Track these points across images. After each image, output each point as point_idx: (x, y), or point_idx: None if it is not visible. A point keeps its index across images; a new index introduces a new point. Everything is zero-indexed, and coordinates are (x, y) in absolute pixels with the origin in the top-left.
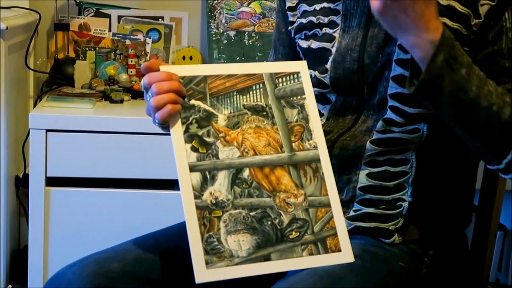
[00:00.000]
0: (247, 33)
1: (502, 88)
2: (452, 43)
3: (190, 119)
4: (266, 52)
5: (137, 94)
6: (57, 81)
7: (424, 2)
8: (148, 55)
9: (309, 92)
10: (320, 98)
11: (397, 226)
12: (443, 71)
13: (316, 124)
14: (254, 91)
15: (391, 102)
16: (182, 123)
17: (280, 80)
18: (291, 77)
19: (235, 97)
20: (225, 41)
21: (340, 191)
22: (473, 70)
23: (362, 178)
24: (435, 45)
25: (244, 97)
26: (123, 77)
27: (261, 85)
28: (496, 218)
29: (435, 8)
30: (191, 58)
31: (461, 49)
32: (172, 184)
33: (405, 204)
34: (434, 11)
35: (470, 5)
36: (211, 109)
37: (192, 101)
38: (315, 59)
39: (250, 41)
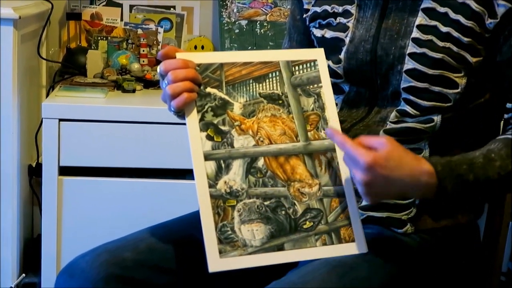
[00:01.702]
0: (259, 22)
1: (506, 148)
2: (449, 168)
3: (206, 107)
4: (278, 41)
5: (149, 84)
6: (69, 71)
7: (402, 157)
8: (160, 44)
9: (326, 81)
10: (334, 88)
11: (409, 216)
12: (455, 190)
13: (332, 113)
14: (270, 79)
15: (404, 95)
16: (198, 111)
17: (296, 68)
18: (308, 65)
19: (251, 85)
20: (236, 31)
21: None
22: (472, 160)
23: None
24: (437, 185)
25: (260, 85)
26: (135, 66)
27: (277, 73)
28: (508, 208)
29: (411, 154)
30: (202, 47)
31: (455, 159)
32: (184, 174)
33: None
34: (412, 157)
35: (486, 4)
36: (226, 97)
37: (208, 89)
38: (329, 48)
39: (262, 31)
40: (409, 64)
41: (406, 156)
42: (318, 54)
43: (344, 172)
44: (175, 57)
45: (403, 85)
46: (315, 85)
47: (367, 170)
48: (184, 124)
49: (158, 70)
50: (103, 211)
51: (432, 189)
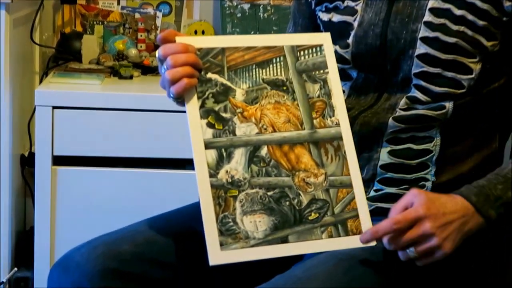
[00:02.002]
0: (262, 6)
1: None
2: (484, 196)
3: (207, 93)
4: (282, 26)
5: (147, 70)
6: (63, 56)
7: (437, 196)
8: (159, 29)
9: (332, 66)
10: (341, 74)
11: None
12: (500, 213)
13: (339, 100)
14: (274, 65)
15: (415, 81)
16: (198, 98)
17: (302, 53)
18: (314, 50)
19: (254, 70)
20: (239, 15)
21: (360, 169)
22: (506, 176)
23: (384, 155)
24: (480, 214)
25: (264, 70)
26: (133, 52)
27: (281, 58)
28: None
29: (442, 194)
30: (203, 32)
31: (488, 182)
32: (184, 164)
33: (428, 184)
34: (444, 195)
35: None
36: (228, 83)
37: (209, 75)
38: (336, 33)
39: (265, 15)
40: (421, 48)
41: (440, 195)
42: (324, 38)
43: (352, 161)
44: (174, 41)
45: (415, 70)
46: (321, 71)
47: (428, 216)
48: (184, 111)
49: (156, 55)
50: (99, 203)
51: (478, 220)
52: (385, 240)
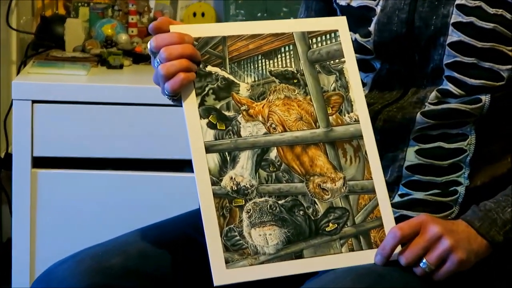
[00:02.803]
0: None
1: None
2: (490, 221)
3: (206, 89)
4: (294, 7)
5: (139, 58)
6: (44, 43)
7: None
8: (152, 11)
9: (350, 55)
10: (362, 66)
11: (450, 217)
12: (509, 237)
13: (357, 93)
14: (283, 54)
15: (447, 72)
16: (197, 95)
17: (314, 40)
18: (328, 36)
19: (260, 61)
20: None
21: (383, 171)
22: None
23: (410, 155)
24: (484, 238)
25: (271, 61)
26: (123, 37)
27: (291, 47)
28: None
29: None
30: (203, 14)
31: (495, 205)
32: (182, 166)
33: (461, 190)
34: (447, 221)
35: None
36: (231, 77)
37: (209, 68)
38: (356, 20)
39: None
40: (453, 35)
41: (441, 220)
42: (339, 23)
43: (374, 162)
44: (168, 31)
45: (446, 60)
46: (337, 60)
47: (432, 220)
48: (181, 107)
49: (148, 47)
50: (85, 211)
51: (482, 243)
52: (396, 255)
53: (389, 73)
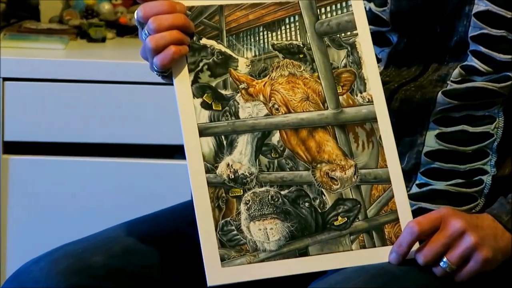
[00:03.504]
0: None
1: None
2: None
3: (201, 65)
4: None
5: (123, 30)
6: (16, 13)
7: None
8: None
9: (363, 26)
10: (377, 39)
11: (475, 211)
12: None
13: (371, 70)
14: (288, 26)
15: (473, 46)
16: (190, 71)
17: (323, 10)
18: (338, 6)
19: (261, 34)
20: None
21: (400, 157)
22: None
23: (430, 140)
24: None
25: (274, 34)
26: (105, 7)
27: (297, 18)
28: None
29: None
30: None
31: None
32: (173, 151)
33: (487, 179)
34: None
35: None
36: (228, 51)
37: (203, 41)
38: None
39: None
40: (480, 4)
41: (464, 214)
42: None
43: (389, 148)
44: None
45: (472, 32)
46: (349, 33)
47: (454, 213)
48: (172, 85)
49: (135, 16)
50: (63, 202)
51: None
52: (414, 253)
53: (407, 47)
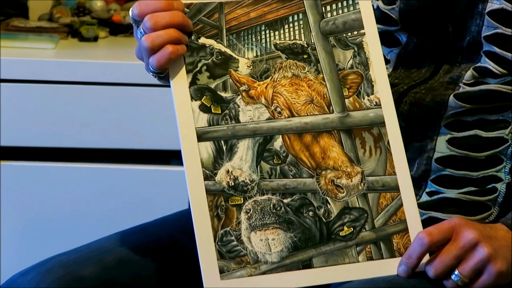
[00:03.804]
0: None
1: None
2: None
3: (199, 65)
4: None
5: (117, 29)
6: (4, 11)
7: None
8: None
9: (370, 25)
10: (386, 39)
11: (488, 220)
12: None
13: (379, 71)
14: (291, 25)
15: (487, 47)
16: (188, 72)
17: (328, 8)
18: (344, 3)
19: (263, 33)
20: None
21: (409, 164)
22: None
23: (441, 145)
24: None
25: (277, 33)
26: (98, 4)
27: (300, 16)
28: None
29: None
30: None
31: None
32: (169, 157)
33: (501, 187)
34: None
35: None
36: (228, 51)
37: (202, 40)
38: None
39: None
40: (494, 2)
41: (477, 224)
42: None
43: (398, 154)
44: None
45: (486, 32)
46: (355, 32)
47: (466, 223)
48: (169, 86)
49: (130, 14)
50: (55, 209)
51: None
52: (424, 265)
53: (417, 47)
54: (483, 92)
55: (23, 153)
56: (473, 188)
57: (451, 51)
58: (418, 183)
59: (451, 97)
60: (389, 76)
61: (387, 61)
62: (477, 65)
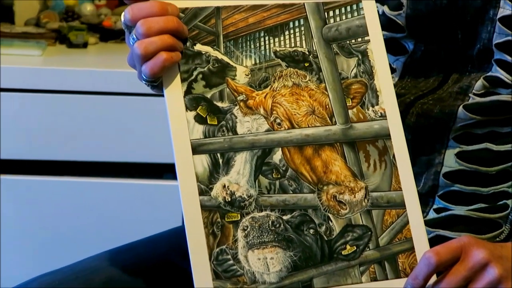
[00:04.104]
0: None
1: None
2: None
3: (195, 73)
4: None
5: (108, 35)
6: None
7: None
8: None
9: (376, 32)
10: (392, 46)
11: (499, 239)
12: None
13: (385, 81)
14: (292, 31)
15: (498, 55)
16: (182, 80)
17: (331, 13)
18: (348, 9)
19: (262, 39)
20: None
21: (415, 179)
22: None
23: (450, 159)
24: None
25: (276, 39)
26: (87, 8)
27: (302, 22)
28: None
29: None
30: None
31: None
32: (161, 171)
33: None
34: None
35: None
36: (225, 59)
37: (198, 47)
38: None
39: None
40: (506, 8)
41: (488, 243)
42: None
43: (404, 168)
44: None
45: (497, 39)
46: (360, 39)
47: (476, 243)
48: (162, 96)
49: (122, 19)
50: (39, 225)
51: None
52: (430, 287)
53: (425, 55)
54: (494, 103)
55: (4, 165)
56: (483, 205)
57: (461, 60)
58: (425, 199)
59: (461, 108)
60: (395, 85)
61: (393, 70)
62: (488, 74)
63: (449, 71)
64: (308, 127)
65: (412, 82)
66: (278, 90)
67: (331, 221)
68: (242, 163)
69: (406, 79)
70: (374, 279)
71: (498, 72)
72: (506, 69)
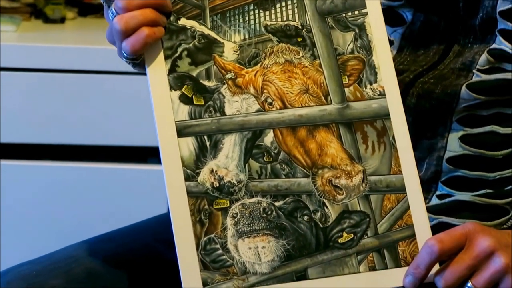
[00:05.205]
0: None
1: None
2: None
3: (179, 50)
4: None
5: (86, 9)
6: None
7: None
8: None
9: (374, 4)
10: (389, 17)
11: (506, 226)
12: None
13: (384, 56)
14: (283, 3)
15: (502, 24)
16: (166, 58)
17: None
18: None
19: (251, 13)
20: None
21: (417, 164)
22: None
23: (453, 143)
24: None
25: (267, 13)
26: None
27: None
28: None
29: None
30: None
31: None
32: (145, 155)
33: None
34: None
35: None
36: (212, 34)
37: (182, 21)
38: None
39: None
40: None
41: (494, 230)
42: None
43: (405, 151)
44: None
45: (501, 7)
46: (356, 12)
47: (481, 230)
48: (145, 74)
49: None
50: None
51: None
52: (433, 276)
53: (424, 26)
54: (499, 81)
55: None
56: (489, 190)
57: (462, 30)
58: (428, 186)
59: (464, 87)
60: (393, 60)
61: (390, 43)
62: (492, 47)
63: (450, 43)
64: (302, 106)
65: (411, 55)
66: (269, 67)
67: (327, 207)
68: (231, 146)
69: (405, 52)
70: (372, 268)
71: (502, 44)
72: (511, 39)
